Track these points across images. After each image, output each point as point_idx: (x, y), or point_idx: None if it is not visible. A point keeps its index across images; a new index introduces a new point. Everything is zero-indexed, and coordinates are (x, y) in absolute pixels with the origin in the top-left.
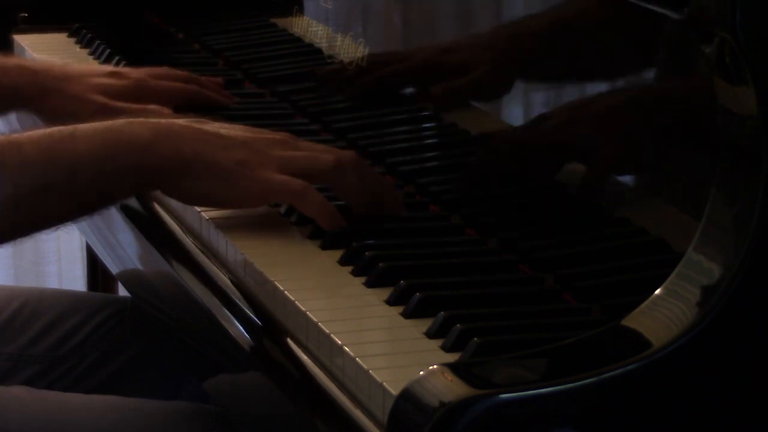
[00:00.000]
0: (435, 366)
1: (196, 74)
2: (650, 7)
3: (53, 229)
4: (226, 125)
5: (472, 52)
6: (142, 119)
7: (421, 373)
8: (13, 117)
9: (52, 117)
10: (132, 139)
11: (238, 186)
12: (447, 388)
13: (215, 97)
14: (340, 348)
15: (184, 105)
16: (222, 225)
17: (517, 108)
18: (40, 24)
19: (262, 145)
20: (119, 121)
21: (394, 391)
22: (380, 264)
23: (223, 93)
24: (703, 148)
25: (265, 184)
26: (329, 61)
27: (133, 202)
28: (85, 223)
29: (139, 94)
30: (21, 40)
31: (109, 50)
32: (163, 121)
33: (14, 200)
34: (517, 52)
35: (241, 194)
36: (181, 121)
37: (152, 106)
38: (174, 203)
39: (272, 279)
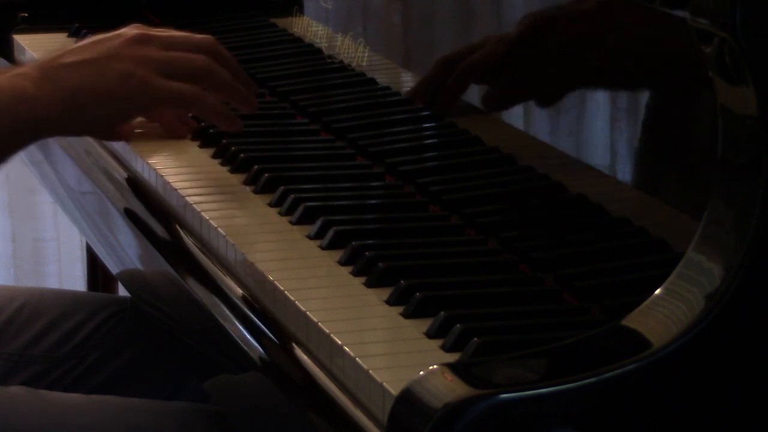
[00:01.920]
0: (435, 366)
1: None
2: (650, 6)
3: None
4: (77, 48)
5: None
6: (24, 69)
7: (421, 373)
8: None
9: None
10: (15, 94)
11: (132, 100)
12: (447, 388)
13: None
14: (340, 348)
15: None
16: (222, 225)
17: (517, 108)
18: (40, 24)
19: (128, 49)
20: (3, 78)
21: (394, 391)
22: (380, 264)
23: (244, 103)
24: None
25: (157, 91)
26: (329, 61)
27: (135, 206)
28: (85, 223)
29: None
30: (21, 40)
31: None
32: (45, 65)
33: None
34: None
35: (137, 105)
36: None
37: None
38: (174, 204)
39: (272, 279)
